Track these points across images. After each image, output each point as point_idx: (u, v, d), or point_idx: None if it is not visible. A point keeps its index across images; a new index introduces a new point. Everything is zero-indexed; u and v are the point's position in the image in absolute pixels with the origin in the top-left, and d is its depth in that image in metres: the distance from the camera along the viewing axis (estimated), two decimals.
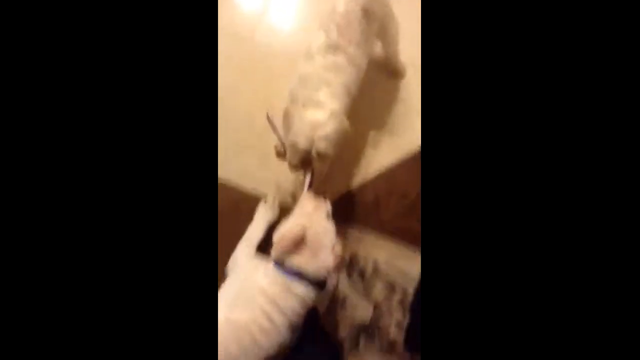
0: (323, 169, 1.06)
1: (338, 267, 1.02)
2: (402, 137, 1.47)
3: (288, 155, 1.07)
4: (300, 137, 1.01)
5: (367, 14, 1.11)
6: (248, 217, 1.41)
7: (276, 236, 0.98)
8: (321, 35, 1.11)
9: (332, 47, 1.09)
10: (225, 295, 0.95)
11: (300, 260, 0.94)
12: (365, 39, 1.12)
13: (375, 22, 1.15)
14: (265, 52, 1.61)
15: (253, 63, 1.60)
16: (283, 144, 1.14)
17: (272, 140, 1.30)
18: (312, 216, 0.99)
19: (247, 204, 1.38)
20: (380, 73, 1.48)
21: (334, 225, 1.01)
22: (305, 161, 1.04)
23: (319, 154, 1.02)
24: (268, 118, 1.21)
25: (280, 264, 0.95)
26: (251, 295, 0.93)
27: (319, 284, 0.96)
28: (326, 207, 1.03)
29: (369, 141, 1.48)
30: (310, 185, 1.06)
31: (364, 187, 1.44)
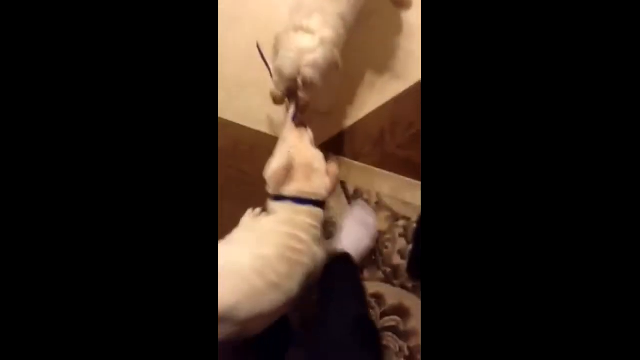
0: (308, 99, 1.02)
1: (334, 185, 1.03)
2: (405, 71, 1.39)
3: (273, 82, 1.04)
4: (286, 62, 0.97)
5: None
6: (249, 155, 1.43)
7: (267, 172, 0.99)
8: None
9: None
10: (239, 244, 0.98)
11: (296, 186, 0.96)
12: None
13: None
14: None
15: None
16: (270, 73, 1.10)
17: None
18: (297, 145, 1.00)
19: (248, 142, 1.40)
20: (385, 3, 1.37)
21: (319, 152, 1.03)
22: (290, 90, 1.01)
23: (304, 82, 0.98)
24: (258, 47, 1.17)
25: (279, 197, 0.97)
26: (267, 232, 0.96)
27: (321, 204, 0.99)
28: (309, 134, 1.04)
29: (368, 77, 1.41)
30: (294, 117, 1.04)
31: (367, 119, 1.40)
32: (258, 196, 1.07)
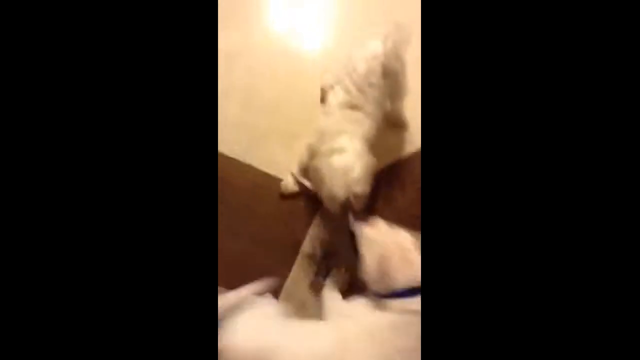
0: (360, 206, 1.07)
1: None
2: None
3: (327, 205, 1.08)
4: (336, 188, 1.02)
5: (386, 71, 1.12)
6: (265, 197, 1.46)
7: (367, 274, 0.93)
8: (340, 93, 1.13)
9: (352, 106, 1.11)
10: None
11: (404, 275, 0.89)
12: (382, 94, 1.15)
13: (390, 77, 1.16)
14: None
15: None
16: (315, 195, 1.15)
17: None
18: (377, 237, 0.96)
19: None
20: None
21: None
22: (344, 206, 1.04)
23: (355, 196, 1.03)
24: (294, 178, 1.25)
25: (392, 293, 0.90)
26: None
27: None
28: (381, 222, 1.01)
29: None
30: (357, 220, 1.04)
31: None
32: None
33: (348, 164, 1.02)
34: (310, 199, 1.27)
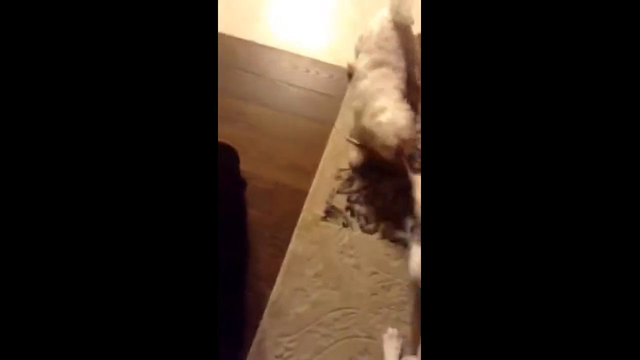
0: (411, 149, 1.29)
1: None
2: None
3: (382, 154, 1.25)
4: (388, 138, 1.19)
5: (397, 25, 1.32)
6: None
7: None
8: (365, 57, 1.31)
9: (377, 63, 1.29)
10: None
11: None
12: (399, 44, 1.33)
13: (402, 31, 1.33)
14: None
15: None
16: (374, 151, 1.30)
17: None
18: None
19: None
20: None
21: None
22: (397, 152, 1.22)
23: (405, 142, 1.20)
24: (350, 141, 1.43)
25: None
26: None
27: None
28: None
29: None
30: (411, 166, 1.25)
31: None
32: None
33: (391, 118, 1.19)
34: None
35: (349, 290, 1.24)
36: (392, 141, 1.18)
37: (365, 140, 1.30)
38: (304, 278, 1.26)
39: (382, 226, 1.32)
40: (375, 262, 1.27)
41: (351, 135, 1.44)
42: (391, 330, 1.17)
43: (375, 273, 1.26)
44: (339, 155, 1.42)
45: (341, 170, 1.40)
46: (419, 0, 0.88)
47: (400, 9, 1.28)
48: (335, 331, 1.19)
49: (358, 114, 1.29)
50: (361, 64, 1.32)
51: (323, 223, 1.33)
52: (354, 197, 1.37)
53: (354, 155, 1.41)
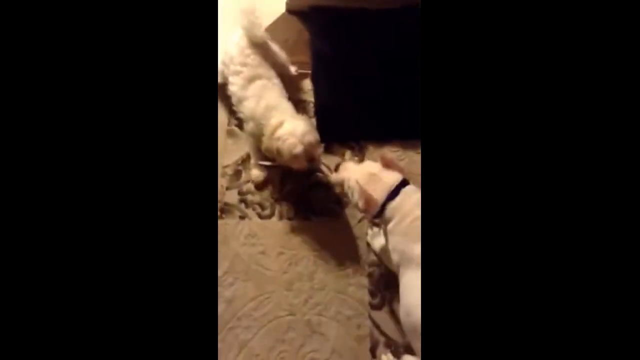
0: (320, 151, 1.30)
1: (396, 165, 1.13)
2: None
3: (298, 166, 1.25)
4: (295, 148, 1.19)
5: (253, 41, 1.35)
6: None
7: (361, 204, 1.06)
8: (236, 79, 1.32)
9: (250, 79, 1.30)
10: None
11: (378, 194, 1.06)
12: (263, 58, 1.36)
13: (260, 46, 1.36)
14: None
15: None
16: (286, 166, 1.31)
17: None
18: (350, 175, 1.12)
19: None
20: None
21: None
22: (309, 158, 1.24)
23: (311, 145, 1.22)
24: (260, 165, 1.41)
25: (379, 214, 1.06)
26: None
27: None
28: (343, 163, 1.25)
29: None
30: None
31: None
32: None
33: (290, 129, 1.20)
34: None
35: (260, 277, 1.26)
36: (299, 149, 1.18)
37: (274, 159, 1.29)
38: None
39: (277, 208, 1.36)
40: (279, 244, 1.31)
41: (257, 159, 1.41)
42: (385, 357, 1.17)
43: (281, 253, 1.29)
44: (220, 153, 1.43)
45: (225, 167, 1.41)
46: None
47: (253, 30, 1.32)
48: (256, 320, 1.20)
49: (256, 137, 1.30)
50: (235, 86, 1.32)
51: (220, 222, 1.33)
52: (244, 189, 1.39)
53: (256, 174, 1.40)
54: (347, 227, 1.34)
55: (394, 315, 1.21)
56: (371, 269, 1.28)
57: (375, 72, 1.55)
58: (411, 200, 1.02)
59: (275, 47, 1.43)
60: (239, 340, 1.17)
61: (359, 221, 1.34)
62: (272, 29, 1.72)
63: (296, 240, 1.32)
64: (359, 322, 1.21)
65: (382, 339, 1.19)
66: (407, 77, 1.52)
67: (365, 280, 1.26)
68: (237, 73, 1.31)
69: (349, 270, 1.28)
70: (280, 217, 1.35)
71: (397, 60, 1.57)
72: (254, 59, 1.31)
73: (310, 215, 1.36)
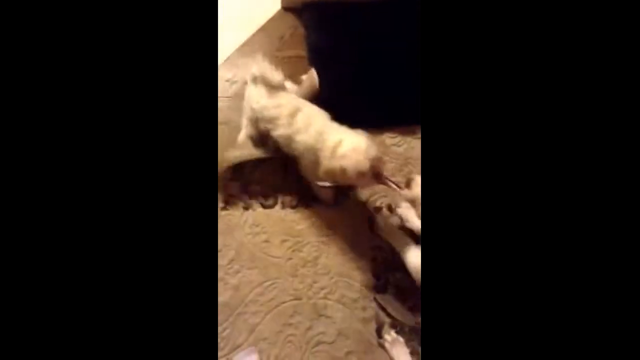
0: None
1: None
2: None
3: (364, 184, 1.25)
4: (360, 164, 1.12)
5: (269, 85, 1.30)
6: None
7: None
8: (280, 121, 1.25)
9: (293, 112, 1.23)
10: None
11: None
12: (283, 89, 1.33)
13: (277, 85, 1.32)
14: None
15: None
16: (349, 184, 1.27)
17: None
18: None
19: None
20: None
21: None
22: (375, 173, 1.15)
23: (377, 160, 1.14)
24: (323, 186, 1.33)
25: None
26: None
27: None
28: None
29: None
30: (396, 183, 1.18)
31: None
32: None
33: (352, 145, 1.14)
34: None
35: (265, 264, 1.28)
36: (365, 165, 1.11)
37: (337, 180, 1.21)
38: (220, 269, 1.27)
39: (279, 198, 1.39)
40: (282, 231, 1.33)
41: (318, 181, 1.34)
42: (389, 336, 1.19)
43: (285, 241, 1.32)
44: (220, 147, 1.47)
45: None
46: None
47: (268, 75, 1.28)
48: (263, 305, 1.22)
49: (316, 162, 1.21)
50: (280, 129, 1.26)
51: (224, 213, 1.36)
52: (246, 180, 1.42)
53: (324, 196, 1.38)
54: (348, 213, 1.36)
55: (399, 297, 1.23)
56: (374, 253, 1.30)
57: (372, 62, 1.58)
58: None
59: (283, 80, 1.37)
60: (248, 325, 1.19)
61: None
62: (268, 26, 1.77)
63: (299, 227, 1.34)
64: (364, 305, 1.23)
65: (387, 320, 1.20)
66: (402, 66, 1.55)
67: (369, 264, 1.28)
68: (277, 116, 1.25)
69: (353, 255, 1.30)
70: (283, 206, 1.38)
71: (392, 50, 1.60)
72: (283, 96, 1.28)
73: (312, 202, 1.38)
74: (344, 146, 1.13)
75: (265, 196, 1.40)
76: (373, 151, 1.14)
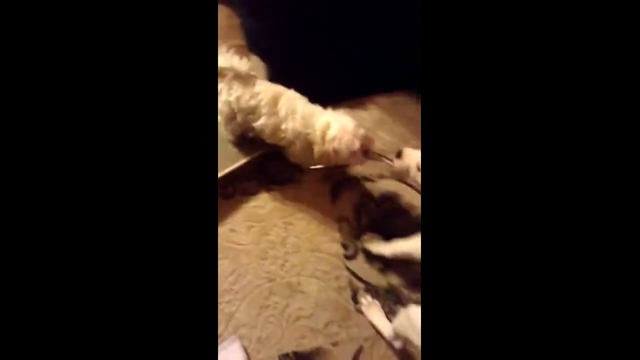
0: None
1: None
2: None
3: (356, 162, 1.25)
4: (350, 144, 1.16)
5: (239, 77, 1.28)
6: None
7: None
8: (262, 109, 1.24)
9: (273, 100, 1.24)
10: None
11: None
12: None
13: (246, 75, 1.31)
14: None
15: None
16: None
17: None
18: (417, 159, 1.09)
19: None
20: None
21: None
22: (365, 150, 1.19)
23: (365, 138, 1.19)
24: (316, 169, 1.38)
25: None
26: None
27: None
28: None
29: None
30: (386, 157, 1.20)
31: None
32: None
33: (340, 126, 1.17)
34: None
35: (234, 252, 1.28)
36: (355, 144, 1.16)
37: (330, 161, 1.23)
38: None
39: (238, 187, 1.39)
40: (247, 218, 1.33)
41: (311, 165, 1.38)
42: (365, 300, 1.21)
43: (251, 227, 1.32)
44: None
45: None
46: None
47: (236, 66, 1.26)
48: (237, 293, 1.22)
49: (308, 147, 1.24)
50: (264, 117, 1.25)
51: None
52: None
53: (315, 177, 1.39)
54: (309, 189, 1.38)
55: (368, 261, 1.27)
56: (340, 224, 1.33)
57: (310, 38, 1.60)
58: None
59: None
60: (224, 315, 1.19)
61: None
62: None
63: (263, 212, 1.35)
64: (337, 274, 1.25)
65: (361, 286, 1.24)
66: (347, 39, 1.58)
67: (336, 235, 1.31)
68: (257, 105, 1.24)
69: (319, 229, 1.32)
70: (243, 194, 1.38)
71: (327, 25, 1.62)
72: (258, 84, 1.26)
73: (271, 185, 1.39)
74: (333, 128, 1.17)
75: (223, 185, 1.39)
76: (360, 130, 1.18)
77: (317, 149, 1.20)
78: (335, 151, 1.17)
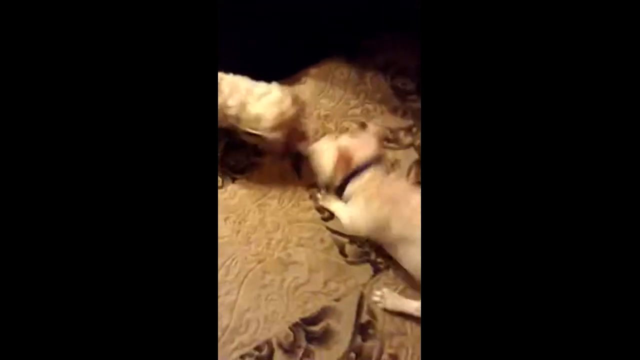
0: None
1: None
2: None
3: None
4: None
5: None
6: None
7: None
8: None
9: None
10: None
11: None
12: None
13: None
14: None
15: None
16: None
17: None
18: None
19: None
20: None
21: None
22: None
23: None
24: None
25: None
26: None
27: None
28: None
29: None
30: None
31: None
32: None
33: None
34: None
35: (218, 246, 1.30)
36: (292, 110, 1.29)
37: (275, 127, 1.29)
38: None
39: None
40: (220, 211, 1.35)
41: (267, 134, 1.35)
42: (377, 297, 1.23)
43: (227, 218, 1.34)
44: None
45: None
46: None
47: None
48: (232, 282, 1.24)
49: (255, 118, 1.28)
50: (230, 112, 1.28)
51: None
52: None
53: (276, 149, 1.40)
54: (272, 170, 1.42)
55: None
56: (310, 191, 1.38)
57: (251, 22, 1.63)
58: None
59: None
60: (226, 305, 1.21)
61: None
62: None
63: (234, 201, 1.37)
64: (320, 237, 1.31)
65: (345, 240, 1.31)
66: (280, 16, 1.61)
67: (309, 202, 1.36)
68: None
69: (292, 202, 1.37)
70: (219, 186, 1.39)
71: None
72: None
73: (236, 175, 1.42)
74: (273, 93, 1.28)
75: None
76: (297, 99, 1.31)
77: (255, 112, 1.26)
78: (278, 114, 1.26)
